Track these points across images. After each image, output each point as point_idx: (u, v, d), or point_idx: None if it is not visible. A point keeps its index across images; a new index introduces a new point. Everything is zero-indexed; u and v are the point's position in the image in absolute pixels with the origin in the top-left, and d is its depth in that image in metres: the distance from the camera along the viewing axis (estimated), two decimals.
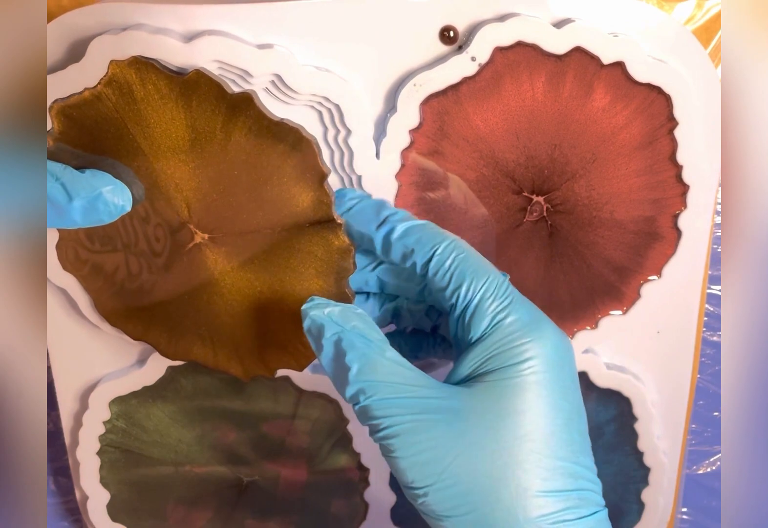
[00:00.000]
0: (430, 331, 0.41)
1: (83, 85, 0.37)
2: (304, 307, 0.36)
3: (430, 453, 0.33)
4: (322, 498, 0.49)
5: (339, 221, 0.37)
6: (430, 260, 0.36)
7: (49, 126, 0.37)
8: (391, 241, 0.37)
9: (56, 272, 0.42)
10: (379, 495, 0.49)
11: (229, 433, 0.48)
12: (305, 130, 0.36)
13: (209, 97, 0.36)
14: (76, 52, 0.39)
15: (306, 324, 0.35)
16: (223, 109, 0.36)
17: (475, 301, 0.35)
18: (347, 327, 0.34)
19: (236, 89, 0.37)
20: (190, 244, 0.39)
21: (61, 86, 0.38)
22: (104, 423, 0.47)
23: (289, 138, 0.36)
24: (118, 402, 0.47)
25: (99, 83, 0.36)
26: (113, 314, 0.42)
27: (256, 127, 0.36)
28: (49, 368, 0.47)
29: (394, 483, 0.49)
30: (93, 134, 0.37)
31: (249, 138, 0.36)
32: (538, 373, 0.33)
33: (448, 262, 0.35)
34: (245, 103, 0.36)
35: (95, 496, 0.49)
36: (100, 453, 0.48)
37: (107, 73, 0.36)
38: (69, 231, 0.41)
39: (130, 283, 0.41)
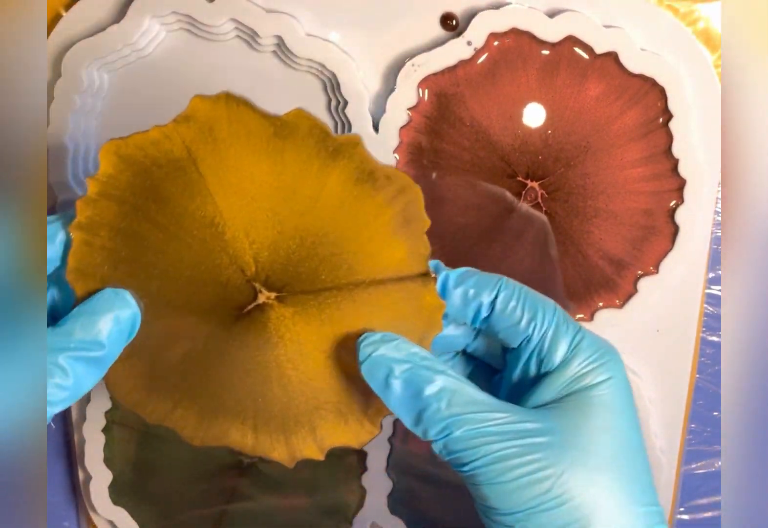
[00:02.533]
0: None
1: (122, 43, 0.41)
2: (361, 344, 0.34)
3: (529, 477, 0.32)
4: (320, 482, 0.50)
5: (433, 275, 0.34)
6: (496, 297, 0.35)
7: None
8: (449, 288, 0.35)
9: None
10: (376, 481, 0.49)
11: None
12: (409, 177, 0.34)
13: (308, 139, 0.33)
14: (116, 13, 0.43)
15: (367, 364, 0.33)
16: (322, 152, 0.33)
17: (552, 328, 0.35)
18: (415, 361, 0.33)
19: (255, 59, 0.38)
20: (250, 305, 0.34)
21: (102, 46, 0.42)
22: (111, 398, 0.49)
23: (393, 185, 0.33)
24: None
25: (173, 120, 0.33)
26: (131, 391, 0.36)
27: (357, 173, 0.33)
28: None
29: (391, 469, 0.49)
30: (149, 177, 0.33)
31: (347, 185, 0.33)
32: (619, 390, 0.34)
33: (515, 296, 0.35)
34: (351, 146, 0.33)
35: (98, 477, 0.50)
36: (105, 430, 0.49)
37: (186, 108, 0.33)
38: None
39: (162, 353, 0.35)
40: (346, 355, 0.34)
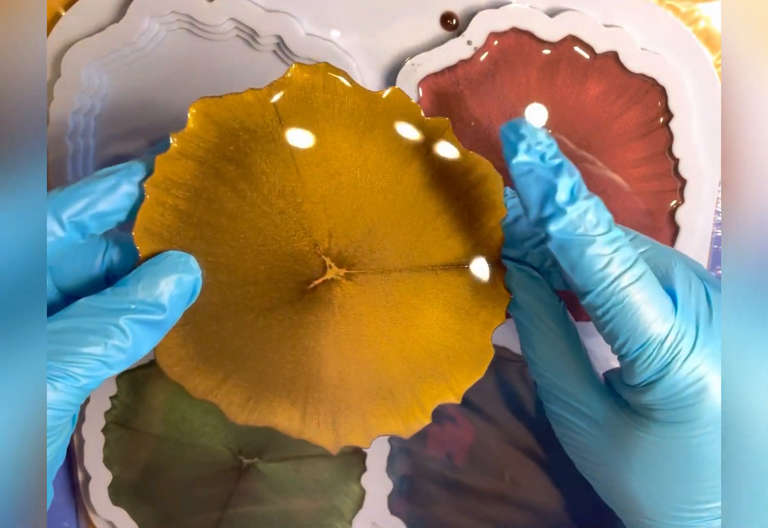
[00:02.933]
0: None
1: (122, 43, 0.42)
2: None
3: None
4: (320, 482, 0.50)
5: (504, 266, 0.34)
6: (584, 296, 0.33)
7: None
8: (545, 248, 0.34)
9: None
10: (376, 481, 0.49)
11: None
12: (492, 166, 0.34)
13: (399, 118, 0.33)
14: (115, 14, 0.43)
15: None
16: (413, 134, 0.33)
17: (637, 355, 0.32)
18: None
19: (251, 54, 0.38)
20: (317, 280, 0.34)
21: (102, 46, 0.42)
22: (111, 398, 0.49)
23: (477, 171, 0.33)
24: (126, 377, 0.48)
25: (268, 85, 0.32)
26: (181, 361, 0.34)
27: (444, 157, 0.33)
28: None
29: (391, 469, 0.49)
30: (235, 140, 0.33)
31: (431, 167, 0.33)
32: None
33: (603, 310, 0.32)
34: (440, 129, 0.33)
35: (97, 477, 0.50)
36: (104, 430, 0.49)
37: (285, 74, 0.33)
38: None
39: (219, 322, 0.34)
40: (407, 340, 0.34)
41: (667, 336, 0.32)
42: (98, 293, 0.32)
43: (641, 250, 0.35)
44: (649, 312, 0.32)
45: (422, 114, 0.33)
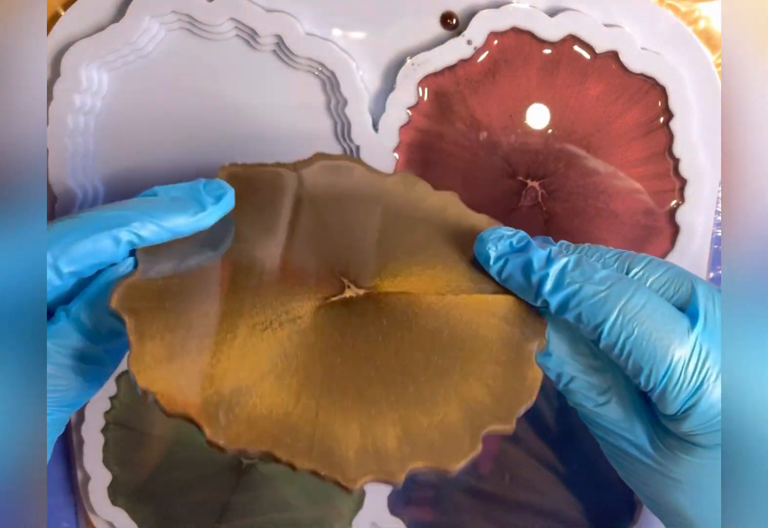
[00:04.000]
0: None
1: (122, 43, 0.42)
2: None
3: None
4: (320, 482, 0.50)
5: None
6: (599, 339, 0.32)
7: None
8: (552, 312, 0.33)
9: None
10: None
11: None
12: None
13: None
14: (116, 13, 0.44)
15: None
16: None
17: (660, 387, 0.32)
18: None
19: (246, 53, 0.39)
20: (334, 296, 0.33)
21: (102, 46, 0.42)
22: (110, 398, 0.49)
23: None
24: (126, 377, 0.48)
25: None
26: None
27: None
28: None
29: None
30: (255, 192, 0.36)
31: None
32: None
33: (619, 345, 0.32)
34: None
35: (97, 478, 0.50)
36: (104, 431, 0.49)
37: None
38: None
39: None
40: (424, 365, 0.32)
41: (690, 357, 0.31)
42: None
43: (657, 275, 0.34)
44: (664, 337, 0.31)
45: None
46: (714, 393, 0.31)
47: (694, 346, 0.32)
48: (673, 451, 0.34)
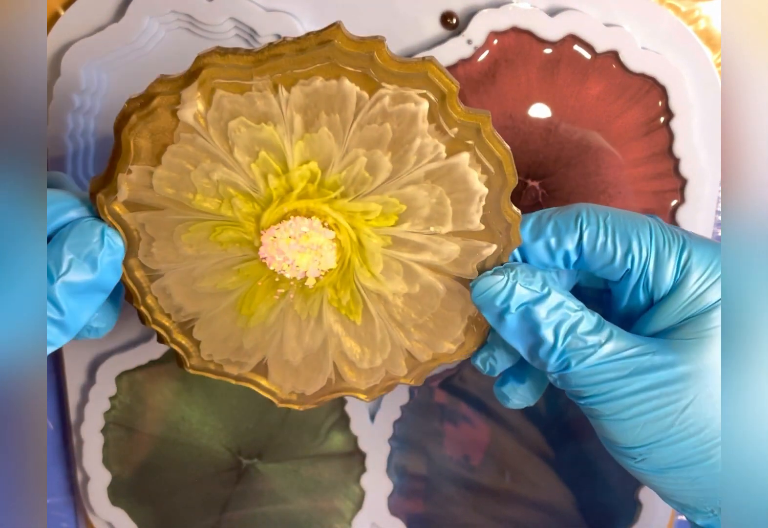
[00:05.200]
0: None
1: (122, 43, 0.42)
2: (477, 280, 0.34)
3: (648, 414, 0.32)
4: (319, 483, 0.50)
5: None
6: (581, 239, 0.33)
7: None
8: (527, 242, 0.34)
9: None
10: (376, 482, 0.49)
11: (231, 412, 0.49)
12: None
13: None
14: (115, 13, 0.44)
15: (480, 297, 0.33)
16: None
17: (653, 256, 0.33)
18: (536, 294, 0.32)
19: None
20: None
21: (101, 46, 0.42)
22: (110, 399, 0.49)
23: None
24: (125, 377, 0.48)
25: None
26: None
27: None
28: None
29: (391, 470, 0.49)
30: None
31: None
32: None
33: (602, 231, 0.33)
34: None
35: (96, 478, 0.50)
36: (104, 431, 0.49)
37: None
38: None
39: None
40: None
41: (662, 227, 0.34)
42: None
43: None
44: (636, 216, 0.34)
45: None
46: (696, 251, 0.33)
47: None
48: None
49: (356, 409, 0.48)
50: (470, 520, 0.49)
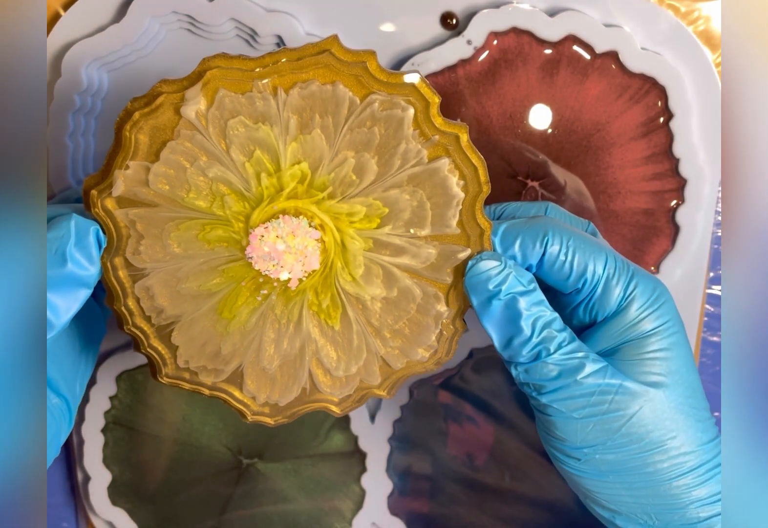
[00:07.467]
0: None
1: (122, 43, 0.42)
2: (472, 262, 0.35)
3: (601, 416, 0.34)
4: (319, 482, 0.50)
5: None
6: (543, 255, 0.35)
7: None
8: (498, 251, 0.36)
9: None
10: (376, 481, 0.49)
11: (231, 412, 0.49)
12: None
13: None
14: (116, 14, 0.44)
15: (473, 278, 0.34)
16: None
17: (602, 282, 0.35)
18: (523, 288, 0.34)
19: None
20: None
21: (102, 46, 0.43)
22: (110, 398, 0.49)
23: None
24: (126, 377, 0.48)
25: None
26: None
27: None
28: None
29: (391, 469, 0.49)
30: None
31: None
32: (678, 332, 0.35)
33: (563, 251, 0.35)
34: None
35: (97, 477, 0.50)
36: (104, 430, 0.49)
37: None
38: None
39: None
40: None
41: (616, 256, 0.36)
42: None
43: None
44: (595, 242, 0.36)
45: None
46: (641, 283, 0.35)
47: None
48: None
49: (356, 409, 0.48)
50: (474, 520, 0.49)
